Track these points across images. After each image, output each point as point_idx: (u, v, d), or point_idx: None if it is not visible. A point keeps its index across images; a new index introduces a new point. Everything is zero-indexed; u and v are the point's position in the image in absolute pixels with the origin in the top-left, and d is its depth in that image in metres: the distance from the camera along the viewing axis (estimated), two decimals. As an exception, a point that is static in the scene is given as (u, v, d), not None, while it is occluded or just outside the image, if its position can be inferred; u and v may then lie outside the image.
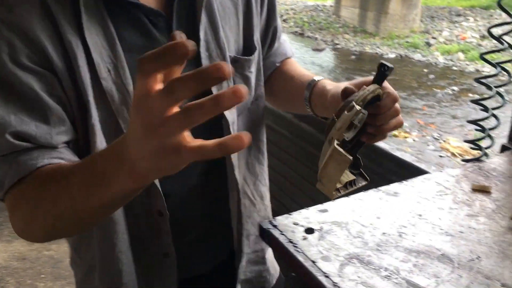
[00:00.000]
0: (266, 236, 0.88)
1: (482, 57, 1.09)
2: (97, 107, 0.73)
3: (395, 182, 1.05)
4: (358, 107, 0.72)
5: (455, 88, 5.37)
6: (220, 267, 0.96)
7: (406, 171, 1.60)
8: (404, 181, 1.03)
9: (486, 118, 1.12)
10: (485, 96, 1.13)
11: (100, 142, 0.74)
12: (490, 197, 0.97)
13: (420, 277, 0.76)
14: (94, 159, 0.61)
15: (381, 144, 1.68)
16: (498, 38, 1.05)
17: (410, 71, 5.93)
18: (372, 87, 0.76)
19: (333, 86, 0.87)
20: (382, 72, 0.78)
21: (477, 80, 1.10)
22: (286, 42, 1.05)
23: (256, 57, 0.90)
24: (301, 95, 0.93)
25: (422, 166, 1.55)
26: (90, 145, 0.74)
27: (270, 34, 0.98)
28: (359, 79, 0.84)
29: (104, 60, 0.72)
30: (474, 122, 1.17)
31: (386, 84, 0.80)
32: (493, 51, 1.07)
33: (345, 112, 0.73)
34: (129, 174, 0.54)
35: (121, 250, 0.81)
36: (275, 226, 0.87)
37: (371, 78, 0.81)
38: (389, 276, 0.76)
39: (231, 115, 0.84)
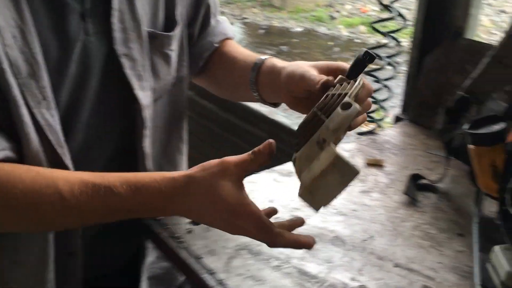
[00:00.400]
0: (147, 232, 0.78)
1: (372, 26, 1.05)
2: (13, 76, 0.62)
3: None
4: (358, 107, 0.56)
5: (359, 60, 5.46)
6: (130, 263, 0.87)
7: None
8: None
9: (379, 89, 1.10)
10: (379, 67, 1.10)
11: (25, 115, 0.63)
12: (384, 171, 0.95)
13: (312, 264, 0.71)
14: (116, 198, 0.61)
15: (280, 118, 1.64)
16: (387, 6, 1.02)
17: (316, 44, 6.02)
18: (361, 80, 0.64)
19: (287, 64, 0.77)
20: (363, 61, 0.66)
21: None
22: (227, 22, 0.93)
23: (178, 33, 0.80)
24: (246, 77, 0.81)
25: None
26: (13, 119, 0.63)
27: (202, 10, 0.87)
28: (323, 62, 0.73)
29: (8, 23, 0.61)
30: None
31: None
32: (382, 20, 1.04)
33: (339, 109, 0.57)
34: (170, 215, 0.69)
35: (42, 246, 0.72)
36: (157, 220, 0.78)
37: (338, 63, 0.70)
38: (279, 266, 0.70)
39: (145, 98, 0.74)
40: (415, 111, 1.14)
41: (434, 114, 0.94)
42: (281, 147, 1.74)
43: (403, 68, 1.19)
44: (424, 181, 0.89)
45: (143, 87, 0.74)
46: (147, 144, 0.77)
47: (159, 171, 0.83)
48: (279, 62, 0.79)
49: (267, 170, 0.94)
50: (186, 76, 0.86)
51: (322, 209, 0.56)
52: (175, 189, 0.61)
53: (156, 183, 0.61)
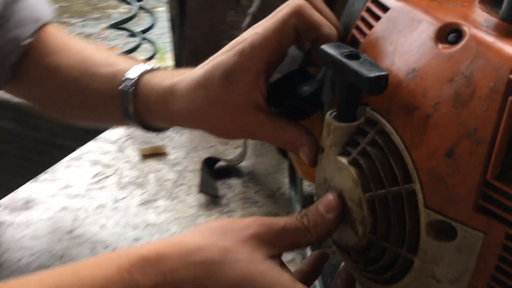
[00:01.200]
0: None
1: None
2: None
3: (71, 149, 0.72)
4: None
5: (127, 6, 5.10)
6: None
7: (75, 130, 1.22)
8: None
9: (137, 46, 0.81)
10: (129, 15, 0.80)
11: None
12: (167, 161, 0.68)
13: None
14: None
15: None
16: None
17: (77, -5, 5.34)
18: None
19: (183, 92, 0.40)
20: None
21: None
22: None
23: None
24: (111, 106, 0.46)
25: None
26: None
27: None
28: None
29: None
30: (131, 51, 0.85)
31: None
32: None
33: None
34: None
35: None
36: None
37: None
38: None
39: None
40: (189, 63, 0.88)
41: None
42: (40, 138, 1.33)
43: (162, 10, 0.91)
44: (221, 164, 0.66)
45: None
46: None
47: None
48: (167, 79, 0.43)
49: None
50: None
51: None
52: (160, 275, 0.32)
53: (118, 275, 0.31)
